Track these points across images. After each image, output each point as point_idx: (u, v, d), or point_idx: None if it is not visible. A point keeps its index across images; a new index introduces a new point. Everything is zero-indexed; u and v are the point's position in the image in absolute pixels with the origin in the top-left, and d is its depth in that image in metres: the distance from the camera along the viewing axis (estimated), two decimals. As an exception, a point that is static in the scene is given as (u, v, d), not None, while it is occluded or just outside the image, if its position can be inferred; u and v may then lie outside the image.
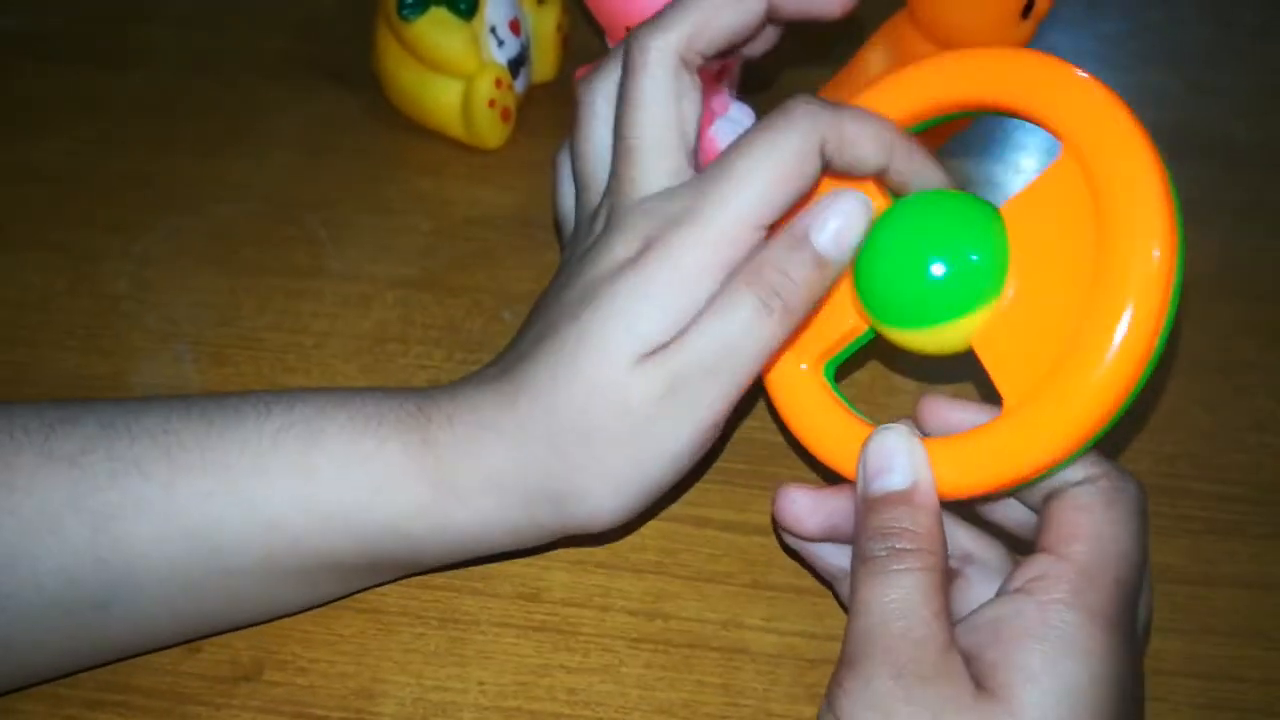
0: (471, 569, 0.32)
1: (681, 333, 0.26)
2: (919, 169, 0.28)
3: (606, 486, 0.26)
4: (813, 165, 0.26)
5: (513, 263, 0.42)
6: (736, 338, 0.26)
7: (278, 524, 0.26)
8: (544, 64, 0.50)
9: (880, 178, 0.28)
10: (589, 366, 0.25)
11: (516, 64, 0.47)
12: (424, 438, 0.27)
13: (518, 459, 0.26)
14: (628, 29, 0.41)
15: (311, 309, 0.40)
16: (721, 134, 0.46)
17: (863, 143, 0.27)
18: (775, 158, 0.26)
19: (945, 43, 0.41)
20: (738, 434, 0.36)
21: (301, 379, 0.37)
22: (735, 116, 0.46)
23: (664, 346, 0.26)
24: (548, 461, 0.26)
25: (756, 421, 0.36)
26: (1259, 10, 0.62)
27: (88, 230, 0.42)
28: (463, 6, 0.44)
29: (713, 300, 0.26)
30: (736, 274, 0.26)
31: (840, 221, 0.26)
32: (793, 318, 0.26)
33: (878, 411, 0.34)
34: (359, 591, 0.31)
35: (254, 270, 0.41)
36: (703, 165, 0.45)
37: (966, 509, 0.29)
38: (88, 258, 0.41)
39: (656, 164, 0.28)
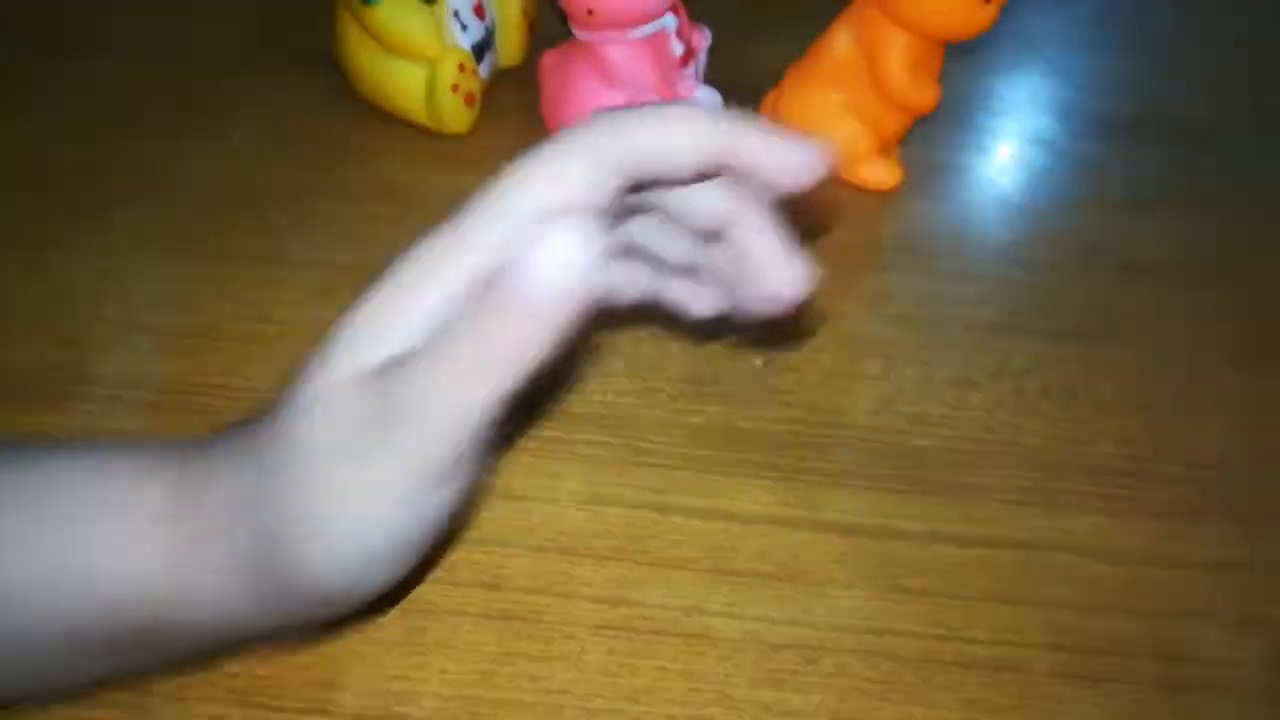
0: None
1: (412, 358, 0.21)
2: (776, 148, 0.22)
3: (329, 517, 0.21)
4: (595, 180, 0.22)
5: (478, 249, 0.42)
6: (439, 393, 0.21)
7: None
8: (510, 48, 0.49)
9: (725, 175, 0.23)
10: (314, 378, 0.22)
11: (481, 48, 0.46)
12: (181, 469, 0.23)
13: (248, 481, 0.22)
14: (590, 11, 0.41)
15: (273, 297, 0.39)
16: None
17: (673, 140, 0.22)
18: (546, 169, 0.22)
19: (909, 26, 0.41)
20: (702, 421, 0.36)
21: (263, 369, 0.37)
22: (703, 100, 0.46)
23: (394, 367, 0.21)
24: (275, 484, 0.22)
25: (720, 407, 0.36)
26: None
27: (45, 218, 0.42)
28: (425, -11, 0.44)
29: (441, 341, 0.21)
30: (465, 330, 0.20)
31: (547, 266, 0.19)
32: (510, 385, 0.20)
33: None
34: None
35: (215, 258, 0.41)
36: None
37: None
38: (45, 246, 0.41)
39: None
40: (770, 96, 0.47)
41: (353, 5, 0.44)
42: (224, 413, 0.35)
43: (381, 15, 0.43)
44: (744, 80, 0.48)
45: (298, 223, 0.42)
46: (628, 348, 0.38)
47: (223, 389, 0.36)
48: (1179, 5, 0.61)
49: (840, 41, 0.43)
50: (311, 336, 0.38)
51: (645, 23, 0.42)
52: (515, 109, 0.48)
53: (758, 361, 0.38)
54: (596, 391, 0.37)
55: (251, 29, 0.52)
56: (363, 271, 0.40)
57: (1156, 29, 0.59)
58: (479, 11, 0.46)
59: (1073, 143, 0.50)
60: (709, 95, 0.46)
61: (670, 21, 0.43)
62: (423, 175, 0.45)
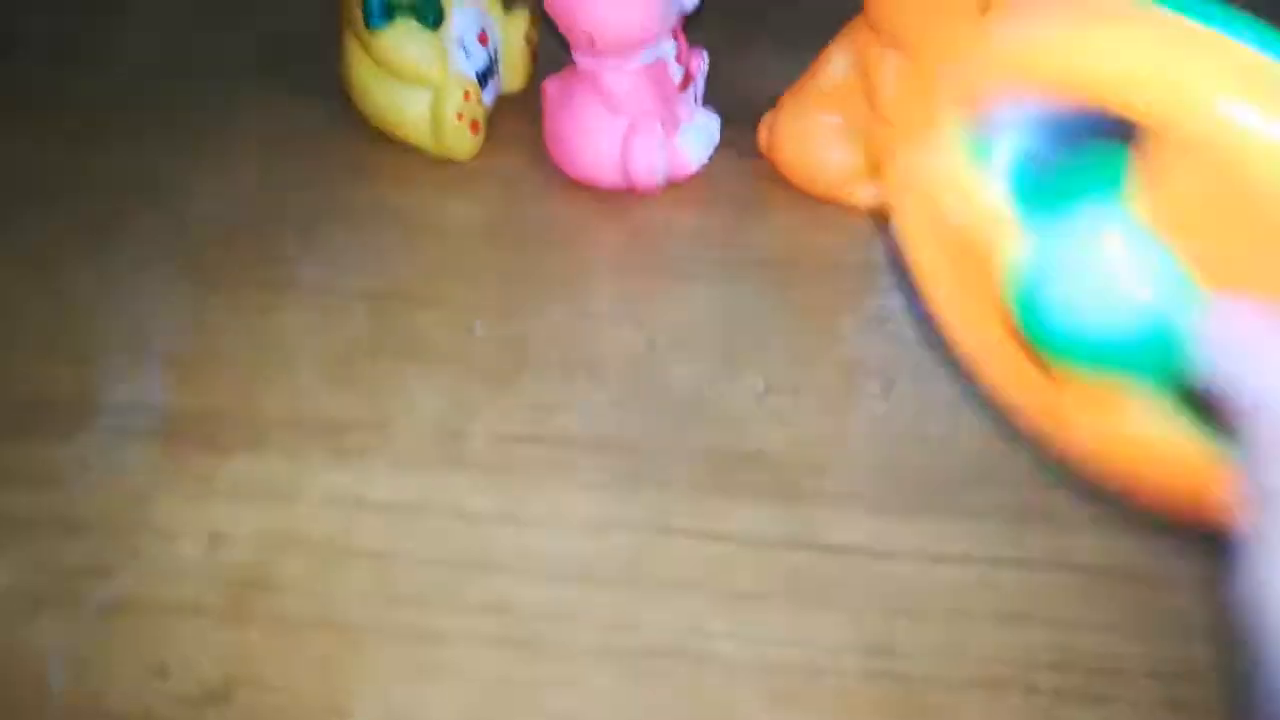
0: (442, 582, 0.32)
1: None
2: None
3: None
4: None
5: (482, 273, 0.43)
6: None
7: None
8: (514, 74, 0.50)
9: None
10: None
11: (485, 75, 0.47)
12: None
13: None
14: (591, 39, 0.42)
15: (281, 321, 0.40)
16: (688, 143, 0.46)
17: None
18: None
19: (906, 49, 0.41)
20: (703, 443, 0.36)
21: (270, 394, 0.37)
22: (702, 124, 0.47)
23: None
24: None
25: (720, 430, 0.37)
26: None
27: (54, 235, 0.42)
28: (429, 17, 0.44)
29: None
30: None
31: None
32: None
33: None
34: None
35: (224, 282, 0.41)
36: (672, 176, 0.46)
37: None
38: (53, 265, 0.41)
39: None
40: (768, 118, 0.47)
41: (359, 31, 0.45)
42: (231, 443, 0.36)
43: (387, 41, 0.44)
44: (742, 101, 0.48)
45: (305, 247, 0.43)
46: (629, 370, 0.39)
47: (230, 417, 0.36)
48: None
49: (837, 64, 0.44)
50: (318, 363, 0.39)
51: (645, 49, 0.43)
52: (519, 134, 0.48)
53: (759, 384, 0.38)
54: (598, 415, 0.37)
55: (258, 56, 0.52)
56: (368, 298, 0.41)
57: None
58: (483, 39, 0.47)
59: (1070, 162, 0.50)
60: (708, 117, 0.47)
61: (668, 48, 0.44)
62: (429, 200, 0.45)
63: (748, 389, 0.38)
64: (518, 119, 0.49)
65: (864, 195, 0.45)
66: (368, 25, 0.44)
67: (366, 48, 0.45)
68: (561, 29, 0.43)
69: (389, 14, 0.43)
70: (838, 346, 0.40)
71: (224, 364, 0.38)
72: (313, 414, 0.37)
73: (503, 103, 0.49)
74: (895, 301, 0.42)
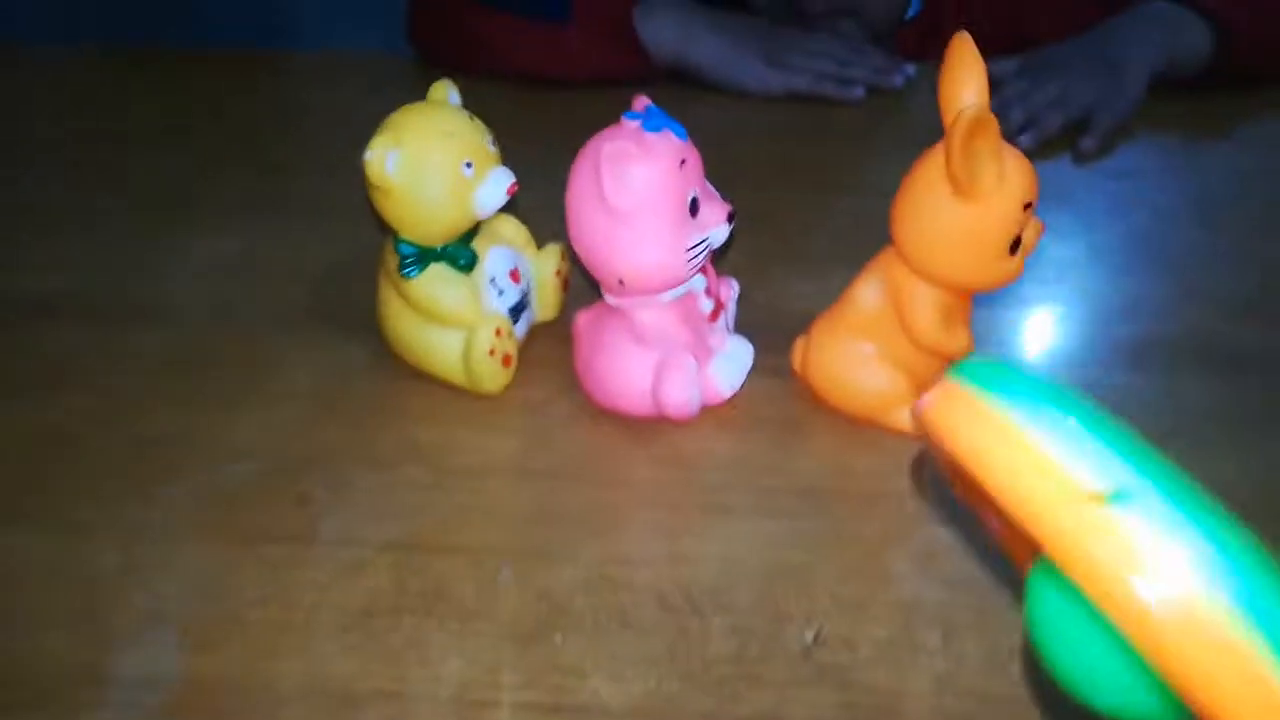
0: None
1: None
2: None
3: None
4: None
5: (510, 514, 0.41)
6: None
7: None
8: (546, 305, 0.50)
9: None
10: None
11: (517, 310, 0.48)
12: None
13: None
14: (620, 281, 0.42)
15: (303, 579, 0.38)
16: (721, 372, 0.46)
17: None
18: None
19: (933, 279, 0.41)
20: (749, 710, 0.33)
21: (286, 661, 0.35)
22: (734, 352, 0.46)
23: None
24: None
25: (768, 692, 0.34)
26: (1245, 211, 0.63)
27: (75, 502, 0.41)
28: (462, 262, 0.45)
29: None
30: None
31: None
32: None
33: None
34: None
35: (248, 538, 0.40)
36: (706, 404, 0.45)
37: None
38: (72, 532, 0.40)
39: None
40: (800, 345, 0.47)
41: (393, 277, 0.46)
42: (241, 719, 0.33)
43: (421, 288, 0.45)
44: (774, 324, 0.48)
45: (332, 493, 0.42)
46: (664, 621, 0.36)
47: (243, 690, 0.34)
48: (1203, 227, 0.62)
49: (867, 294, 0.43)
50: (338, 622, 0.37)
51: (673, 288, 0.43)
52: (550, 364, 0.48)
53: (808, 636, 0.36)
54: (632, 679, 0.34)
55: (300, 299, 0.54)
56: (391, 548, 0.39)
57: (1182, 252, 0.59)
58: (514, 276, 0.48)
59: (1106, 373, 0.49)
60: (740, 345, 0.47)
61: (698, 282, 0.44)
62: (458, 436, 0.45)
63: (794, 642, 0.36)
64: (549, 347, 0.49)
65: (904, 418, 0.44)
66: (403, 274, 0.45)
67: (401, 292, 0.46)
68: (591, 273, 0.43)
69: (423, 262, 0.45)
70: (890, 588, 0.38)
71: (241, 629, 0.36)
72: (329, 683, 0.34)
73: (535, 331, 0.50)
74: (945, 534, 0.40)
